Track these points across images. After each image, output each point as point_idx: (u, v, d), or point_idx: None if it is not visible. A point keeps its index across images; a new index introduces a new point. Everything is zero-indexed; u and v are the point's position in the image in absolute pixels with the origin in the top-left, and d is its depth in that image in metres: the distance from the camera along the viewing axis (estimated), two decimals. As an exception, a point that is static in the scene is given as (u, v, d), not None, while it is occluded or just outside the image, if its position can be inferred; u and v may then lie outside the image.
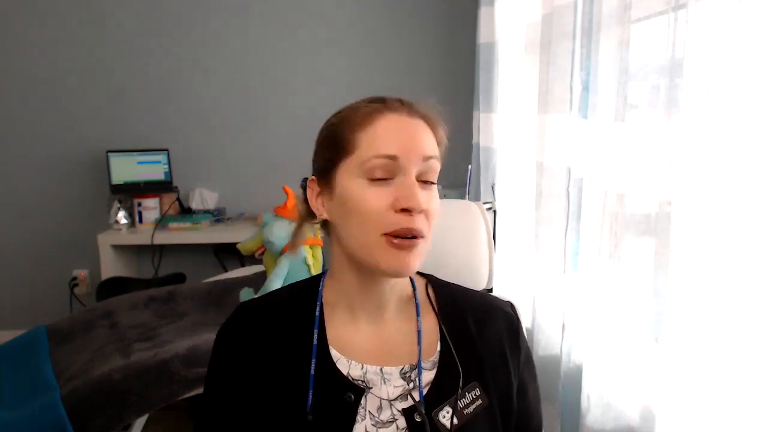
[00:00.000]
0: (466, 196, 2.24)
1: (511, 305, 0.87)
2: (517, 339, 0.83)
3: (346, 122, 0.75)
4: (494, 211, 2.07)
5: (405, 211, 0.70)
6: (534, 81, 1.67)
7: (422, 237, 0.71)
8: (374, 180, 0.71)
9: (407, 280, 0.83)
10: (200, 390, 1.63)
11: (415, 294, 0.83)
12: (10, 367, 1.72)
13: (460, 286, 0.89)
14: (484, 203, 1.50)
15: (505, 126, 2.19)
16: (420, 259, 0.72)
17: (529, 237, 1.75)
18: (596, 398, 1.27)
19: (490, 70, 2.33)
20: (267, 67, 2.97)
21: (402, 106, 0.75)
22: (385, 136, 0.72)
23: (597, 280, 1.28)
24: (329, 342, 0.77)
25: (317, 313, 0.79)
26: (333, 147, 0.75)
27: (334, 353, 0.77)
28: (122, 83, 2.93)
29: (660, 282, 1.03)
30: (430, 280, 0.86)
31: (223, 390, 0.79)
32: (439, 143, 0.77)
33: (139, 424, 1.98)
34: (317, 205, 0.79)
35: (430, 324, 0.81)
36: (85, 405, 1.48)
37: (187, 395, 1.62)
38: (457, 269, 0.99)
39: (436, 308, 0.82)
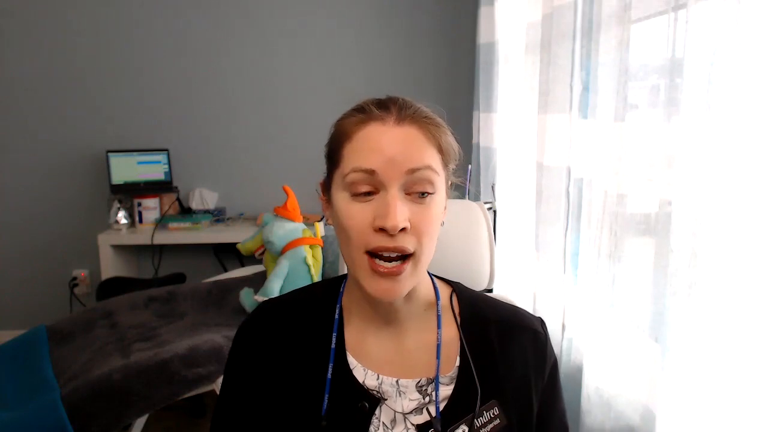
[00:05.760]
0: (466, 196, 2.24)
1: (541, 322, 0.83)
2: (543, 359, 0.79)
3: (336, 134, 0.73)
4: (494, 211, 2.07)
5: (383, 230, 0.66)
6: (534, 81, 1.67)
7: (410, 255, 0.68)
8: (356, 195, 0.68)
9: (429, 287, 0.80)
10: (200, 390, 1.64)
11: (437, 303, 0.79)
12: (10, 367, 1.72)
13: (488, 297, 0.85)
14: (485, 203, 1.50)
15: (505, 126, 2.19)
16: (409, 281, 0.69)
17: (529, 237, 1.75)
18: (596, 398, 1.27)
19: (490, 70, 2.33)
20: (267, 68, 2.97)
21: (390, 113, 0.70)
22: (364, 148, 0.68)
23: (597, 280, 1.28)
24: (347, 348, 0.76)
25: (336, 317, 0.78)
26: (328, 158, 0.75)
27: (351, 360, 0.76)
28: (123, 83, 2.93)
29: (660, 282, 1.03)
30: (456, 289, 0.83)
31: (240, 385, 0.79)
32: (441, 150, 0.72)
33: (139, 424, 1.98)
34: (327, 213, 0.77)
35: (450, 336, 0.77)
36: (85, 405, 1.48)
37: (187, 395, 1.62)
38: (458, 269, 0.99)
39: (458, 320, 0.79)
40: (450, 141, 0.74)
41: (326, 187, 0.76)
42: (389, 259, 0.68)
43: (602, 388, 1.26)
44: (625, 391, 1.20)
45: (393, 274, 0.67)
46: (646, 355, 1.11)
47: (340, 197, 0.70)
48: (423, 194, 0.68)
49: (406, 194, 0.68)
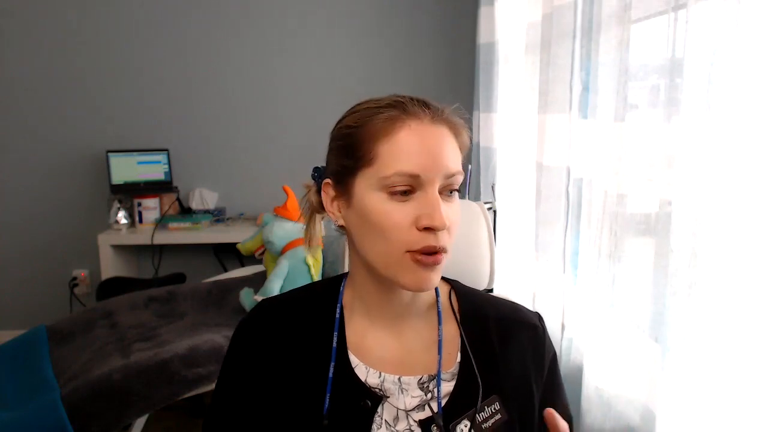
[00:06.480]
0: (466, 196, 2.24)
1: (539, 316, 0.84)
2: (542, 354, 0.80)
3: (364, 130, 0.70)
4: (494, 211, 2.07)
5: (428, 228, 0.67)
6: (534, 81, 1.67)
7: (445, 252, 0.70)
8: (395, 195, 0.68)
9: None
10: (200, 390, 1.64)
11: (437, 301, 0.80)
12: (10, 367, 1.72)
13: (487, 294, 0.87)
14: (485, 203, 1.50)
15: (505, 126, 2.19)
16: (441, 272, 0.71)
17: (529, 237, 1.75)
18: (596, 398, 1.27)
19: (490, 70, 2.33)
20: (267, 68, 2.97)
21: (425, 111, 0.70)
22: (407, 150, 0.68)
23: (597, 280, 1.28)
24: (348, 346, 0.76)
25: (337, 316, 0.78)
26: (350, 155, 0.71)
27: (352, 358, 0.76)
28: (123, 83, 2.93)
29: (660, 282, 1.03)
30: (455, 286, 0.84)
31: (237, 384, 0.78)
32: (461, 148, 0.73)
33: (139, 424, 1.98)
34: (332, 209, 0.76)
35: (451, 333, 0.78)
36: (85, 405, 1.49)
37: (187, 395, 1.62)
38: (458, 269, 0.99)
39: (458, 317, 0.80)
40: (468, 139, 0.75)
41: (340, 184, 0.74)
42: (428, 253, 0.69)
43: (602, 388, 1.26)
44: (625, 391, 1.19)
45: (435, 264, 0.69)
46: (646, 355, 1.11)
47: (375, 197, 0.69)
48: (451, 192, 0.71)
49: (440, 193, 0.70)
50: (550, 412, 0.66)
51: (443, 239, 0.68)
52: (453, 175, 0.70)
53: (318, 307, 0.79)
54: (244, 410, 0.77)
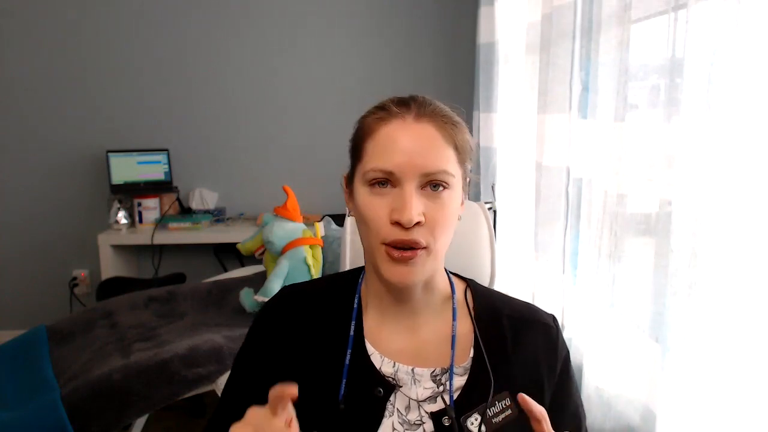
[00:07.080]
0: (467, 196, 2.23)
1: (553, 318, 0.86)
2: (554, 352, 0.82)
3: (359, 130, 0.76)
4: (494, 211, 2.07)
5: (399, 223, 0.70)
6: (534, 81, 1.67)
7: (422, 248, 0.70)
8: (374, 189, 0.72)
9: (445, 281, 0.83)
10: (200, 390, 1.64)
11: (453, 297, 0.82)
12: (10, 367, 1.72)
13: (501, 293, 0.89)
14: (485, 203, 1.50)
15: (505, 126, 2.19)
16: (424, 268, 0.72)
17: (529, 237, 1.75)
18: (596, 398, 1.27)
19: (490, 70, 2.33)
20: (267, 68, 2.97)
21: (409, 111, 0.73)
22: (384, 147, 0.72)
23: (597, 280, 1.28)
24: (365, 335, 0.79)
25: (355, 306, 0.80)
26: (352, 153, 0.78)
27: (368, 347, 0.78)
28: (123, 83, 2.93)
29: (660, 282, 1.03)
30: (471, 285, 0.86)
31: (255, 365, 0.81)
32: (457, 149, 0.74)
33: (139, 424, 1.98)
34: (349, 206, 0.81)
35: (465, 329, 0.80)
36: (85, 405, 1.48)
37: (187, 395, 1.62)
38: (459, 269, 0.99)
39: (472, 313, 0.82)
40: (467, 139, 0.76)
41: (349, 180, 0.79)
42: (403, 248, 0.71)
43: (602, 388, 1.26)
44: (625, 391, 1.20)
45: (407, 260, 0.70)
46: (646, 355, 1.11)
47: (362, 191, 0.73)
48: (436, 187, 0.71)
49: (422, 188, 0.71)
50: (522, 396, 0.66)
51: (417, 234, 0.70)
52: (433, 173, 0.70)
53: (338, 296, 0.82)
54: (260, 391, 0.78)
